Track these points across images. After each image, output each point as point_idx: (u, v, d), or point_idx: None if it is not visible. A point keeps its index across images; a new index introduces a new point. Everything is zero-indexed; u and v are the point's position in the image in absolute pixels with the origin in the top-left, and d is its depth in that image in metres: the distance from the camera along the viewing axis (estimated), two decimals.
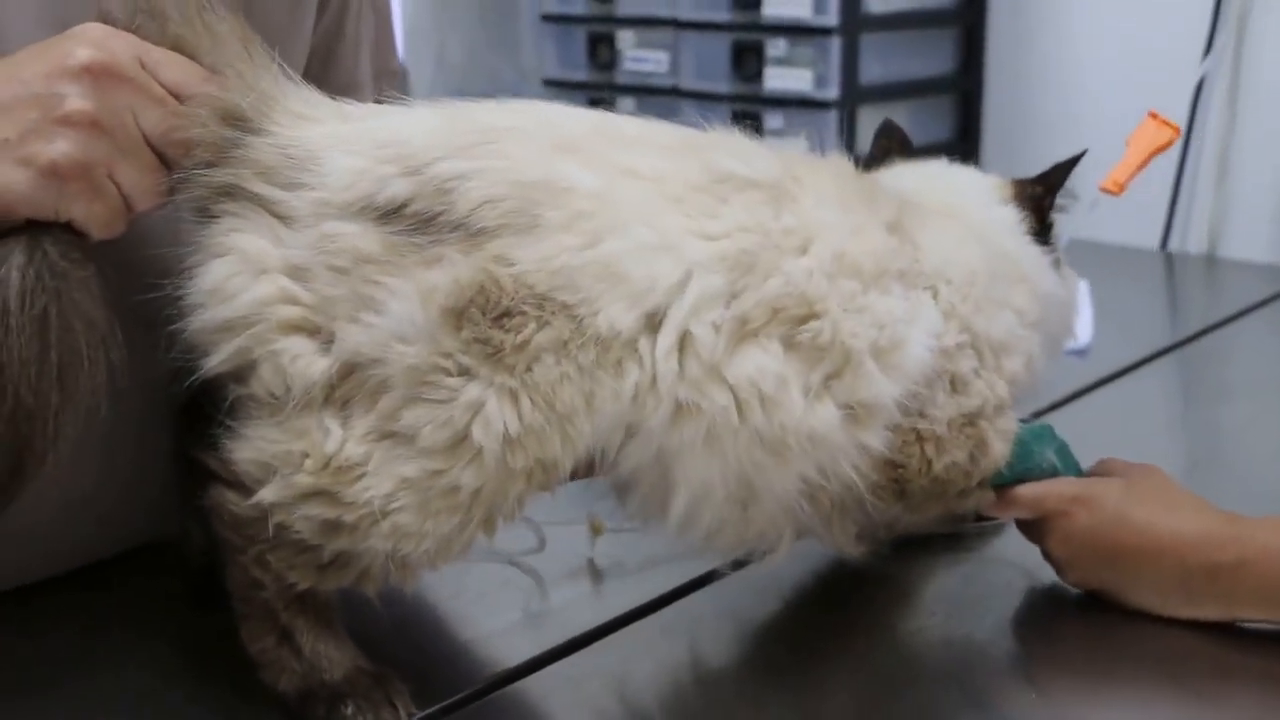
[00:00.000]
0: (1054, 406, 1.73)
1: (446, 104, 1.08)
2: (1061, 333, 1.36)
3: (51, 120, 0.98)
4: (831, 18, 2.78)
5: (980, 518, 1.35)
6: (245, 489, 0.99)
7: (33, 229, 0.98)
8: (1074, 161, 1.31)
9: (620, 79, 3.24)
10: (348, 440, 0.97)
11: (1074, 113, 3.00)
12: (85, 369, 0.98)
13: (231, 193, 1.01)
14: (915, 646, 1.21)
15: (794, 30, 2.85)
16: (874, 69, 2.93)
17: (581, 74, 3.32)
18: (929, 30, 3.07)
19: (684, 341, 1.02)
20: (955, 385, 1.18)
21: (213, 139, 1.00)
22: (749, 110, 2.93)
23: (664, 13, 3.08)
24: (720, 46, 2.99)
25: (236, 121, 1.01)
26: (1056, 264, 1.33)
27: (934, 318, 1.15)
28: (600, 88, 3.29)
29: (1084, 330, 1.89)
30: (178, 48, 1.03)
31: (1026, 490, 1.25)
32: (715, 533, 1.11)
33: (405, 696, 1.04)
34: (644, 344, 1.01)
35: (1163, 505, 1.21)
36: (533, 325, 0.97)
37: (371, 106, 1.08)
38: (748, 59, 2.94)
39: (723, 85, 3.00)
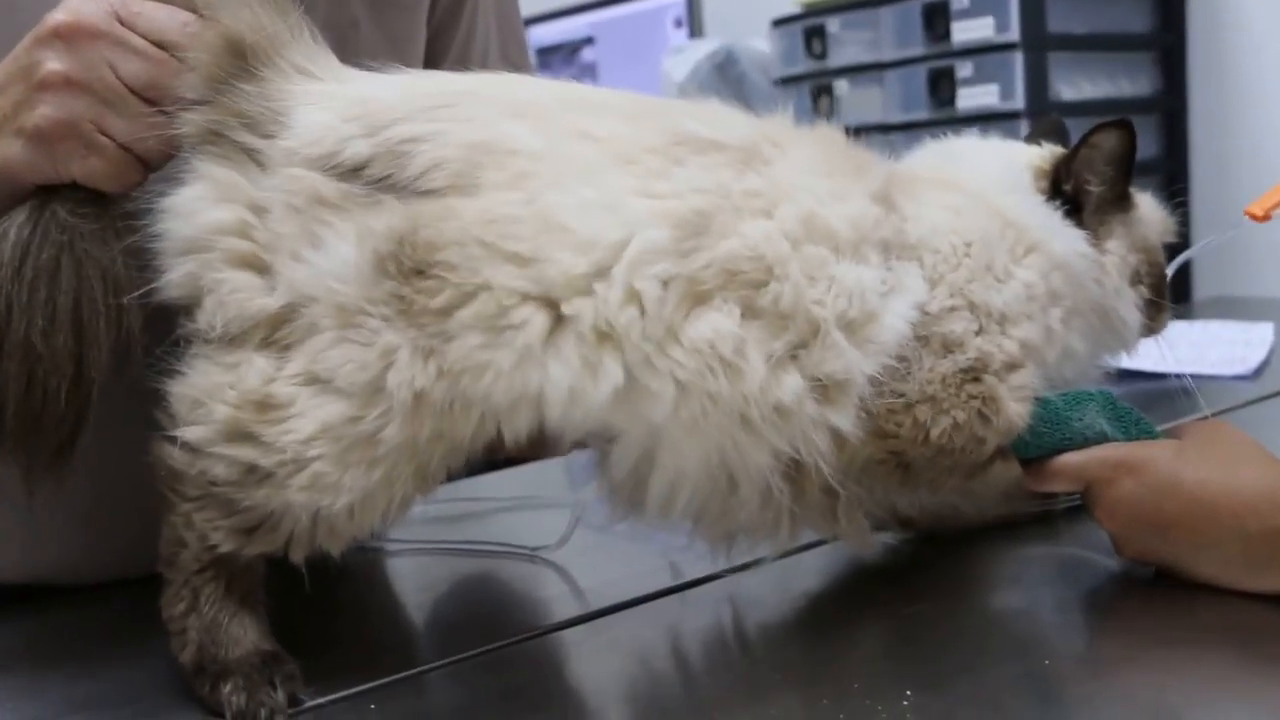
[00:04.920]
0: None
1: (425, 72, 1.04)
2: (1101, 308, 1.14)
3: (31, 87, 0.97)
4: (1014, 34, 2.67)
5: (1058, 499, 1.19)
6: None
7: (41, 191, 0.98)
8: (1084, 144, 1.13)
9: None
10: (276, 379, 0.92)
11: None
12: (102, 314, 0.96)
13: (217, 136, 0.97)
14: (974, 628, 1.04)
15: (980, 50, 2.75)
16: (1074, 88, 2.80)
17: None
18: (1129, 52, 2.93)
19: (635, 298, 0.92)
20: (948, 346, 1.02)
21: (212, 69, 0.97)
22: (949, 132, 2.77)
23: (870, 58, 3.04)
24: (918, 78, 2.89)
25: (238, 56, 0.98)
26: (1096, 236, 1.14)
27: (919, 287, 1.02)
28: None
29: (1252, 358, 1.90)
30: None
31: (1066, 459, 1.06)
32: (696, 518, 1.01)
33: (295, 680, 0.95)
34: (592, 301, 0.91)
35: (1220, 465, 1.00)
36: (450, 293, 0.90)
37: (368, 73, 1.02)
38: (942, 84, 2.80)
39: (923, 113, 2.86)
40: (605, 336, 0.91)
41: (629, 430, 0.95)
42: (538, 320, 0.90)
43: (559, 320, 0.91)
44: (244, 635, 0.96)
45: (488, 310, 0.90)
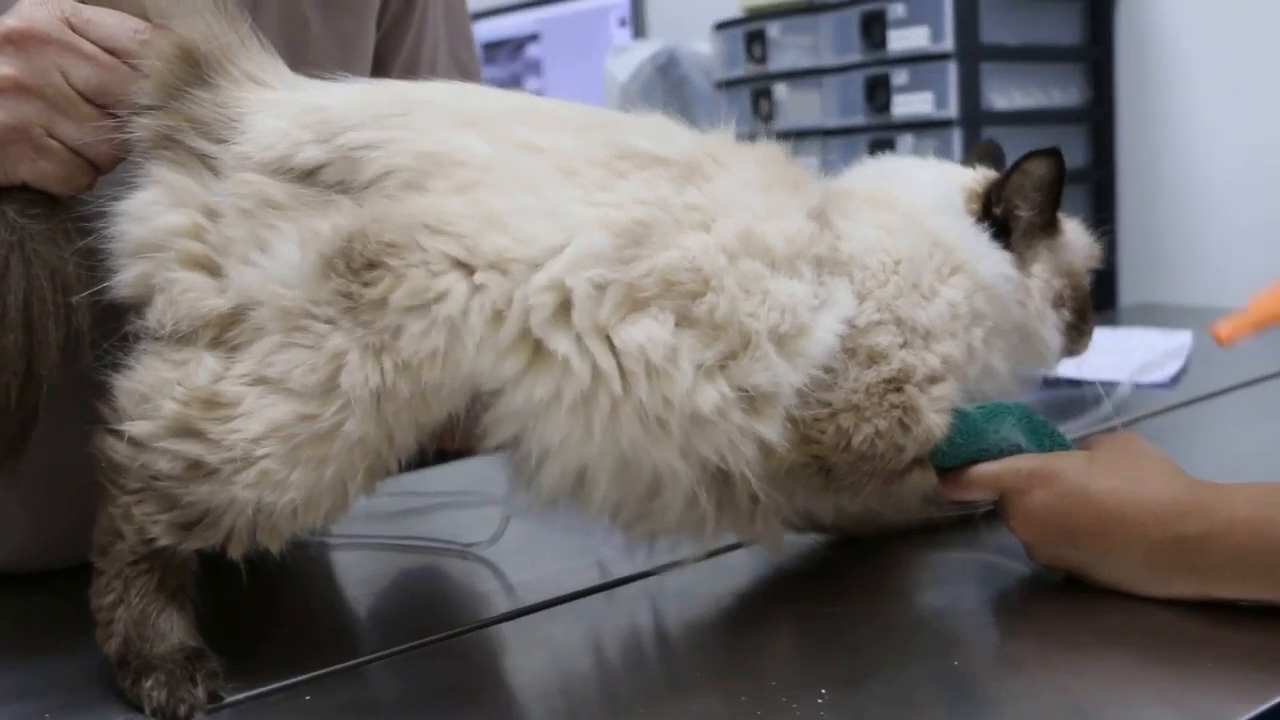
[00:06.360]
0: None
1: (377, 81, 1.05)
2: (1023, 329, 1.17)
3: None
4: (948, 44, 2.70)
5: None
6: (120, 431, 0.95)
7: None
8: (1016, 170, 1.16)
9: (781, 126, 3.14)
10: (224, 378, 0.93)
11: (1206, 142, 2.88)
12: (52, 313, 0.97)
13: (170, 142, 0.98)
14: (890, 628, 1.07)
15: (915, 59, 2.78)
16: (1005, 97, 2.83)
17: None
18: (1059, 63, 2.97)
19: (560, 291, 0.93)
20: (873, 357, 1.04)
21: (166, 76, 0.98)
22: (884, 138, 2.81)
23: (809, 63, 3.06)
24: (855, 84, 2.92)
25: (192, 63, 0.98)
26: (1022, 259, 1.17)
27: (848, 301, 1.04)
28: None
29: (1170, 366, 1.94)
30: (116, 4, 1.00)
31: (981, 469, 1.09)
32: (614, 515, 1.02)
33: (217, 678, 0.96)
34: (515, 282, 0.92)
35: (1128, 476, 1.04)
36: (389, 280, 0.90)
37: (322, 81, 1.03)
38: (878, 91, 2.83)
39: (859, 118, 2.89)
40: (500, 315, 0.91)
41: (525, 409, 0.94)
42: (459, 290, 0.91)
43: (473, 290, 0.91)
44: (170, 630, 0.96)
45: (417, 285, 0.90)
